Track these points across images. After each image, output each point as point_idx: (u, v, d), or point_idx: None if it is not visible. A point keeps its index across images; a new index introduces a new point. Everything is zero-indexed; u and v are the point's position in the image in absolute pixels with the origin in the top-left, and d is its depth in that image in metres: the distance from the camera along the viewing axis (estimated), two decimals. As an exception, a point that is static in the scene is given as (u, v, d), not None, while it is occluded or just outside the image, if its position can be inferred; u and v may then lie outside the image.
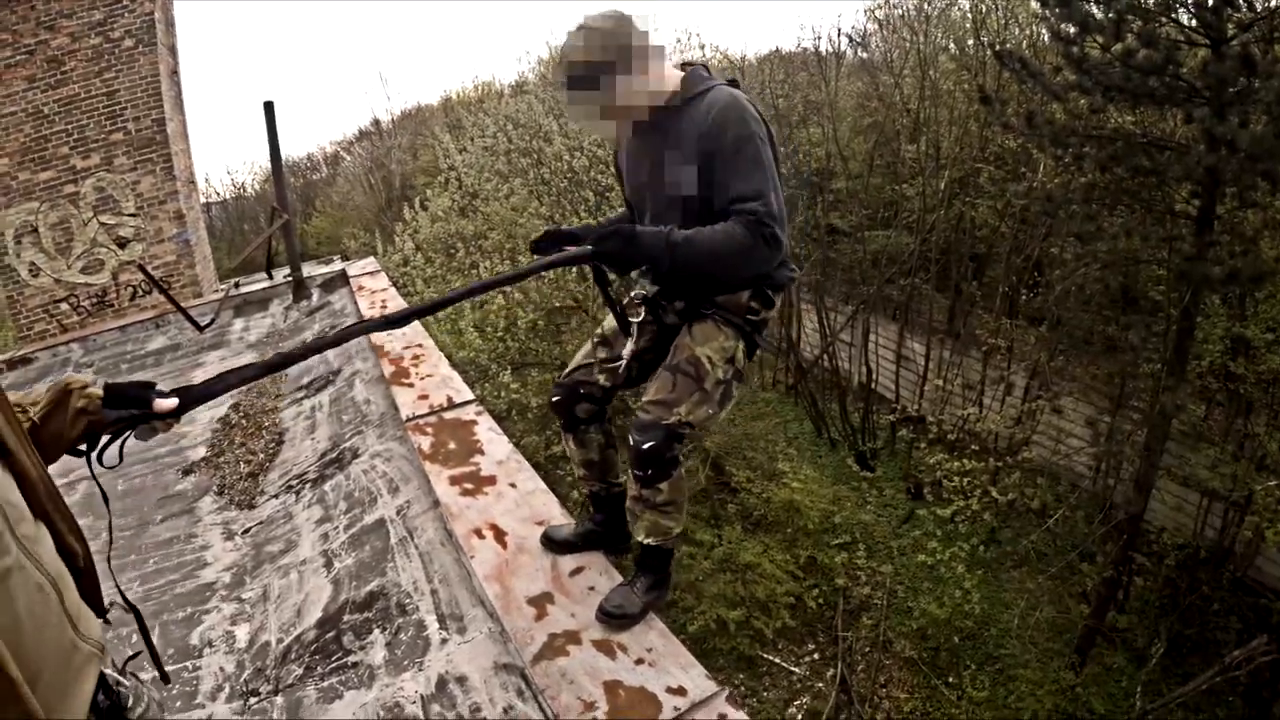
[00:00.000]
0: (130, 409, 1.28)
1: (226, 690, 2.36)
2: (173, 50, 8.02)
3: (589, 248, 1.81)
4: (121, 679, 1.12)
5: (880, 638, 9.72)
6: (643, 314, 2.04)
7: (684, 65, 1.97)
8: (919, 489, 12.12)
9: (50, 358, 7.04)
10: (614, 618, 1.96)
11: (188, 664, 2.54)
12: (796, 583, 9.97)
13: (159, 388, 1.32)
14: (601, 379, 2.13)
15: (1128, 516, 8.55)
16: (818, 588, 10.28)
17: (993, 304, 12.72)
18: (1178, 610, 9.03)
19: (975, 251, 14.20)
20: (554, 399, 2.18)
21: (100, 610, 1.15)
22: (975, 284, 13.57)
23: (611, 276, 1.96)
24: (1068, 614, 9.56)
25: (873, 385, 13.83)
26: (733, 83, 1.94)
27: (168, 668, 2.57)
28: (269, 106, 6.60)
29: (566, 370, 2.21)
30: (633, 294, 2.08)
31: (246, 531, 3.28)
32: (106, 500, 1.44)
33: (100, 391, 1.25)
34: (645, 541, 2.00)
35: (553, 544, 2.28)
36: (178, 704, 2.36)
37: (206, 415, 4.65)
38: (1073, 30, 7.18)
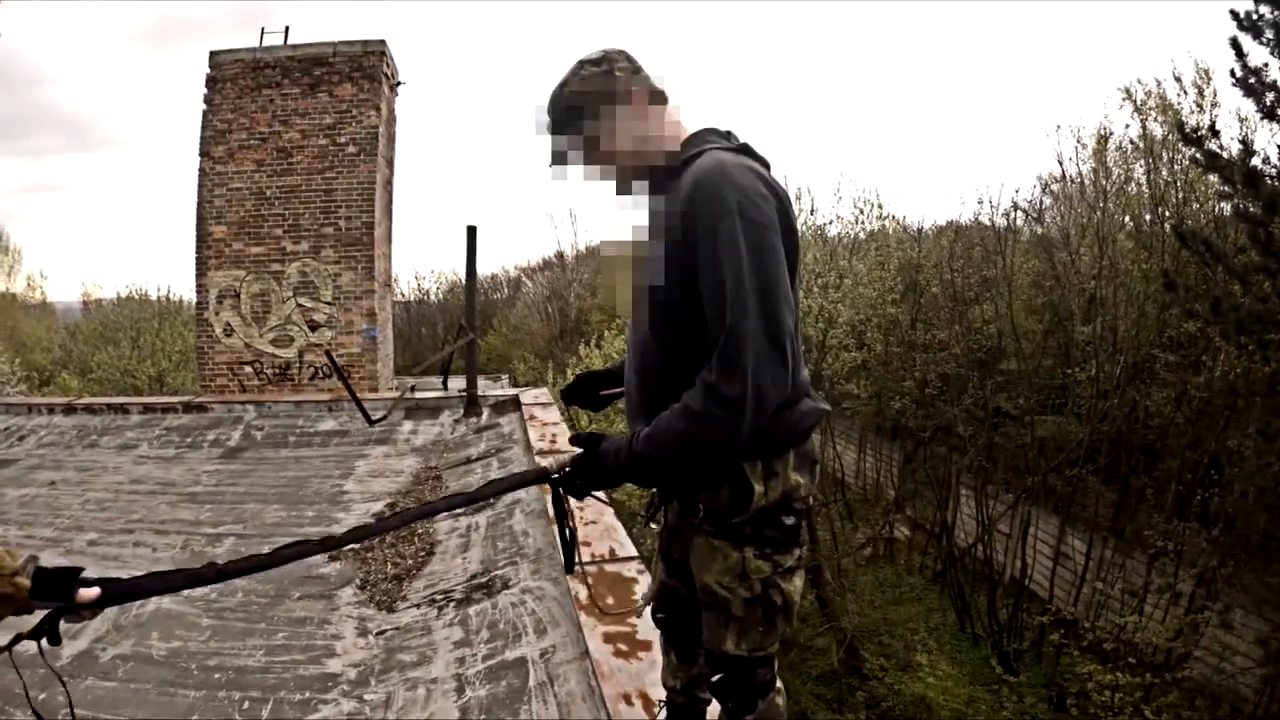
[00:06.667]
0: (56, 599, 1.30)
1: (329, 787, 2.27)
2: (390, 162, 8.96)
3: (549, 470, 1.53)
4: None
5: None
6: (661, 519, 1.77)
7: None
8: (1063, 699, 10.89)
9: (225, 412, 7.61)
10: None
11: (296, 751, 2.47)
12: (917, 788, 9.03)
13: (84, 575, 1.33)
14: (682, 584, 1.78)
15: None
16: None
17: (1163, 502, 11.61)
18: None
19: (1147, 443, 13.16)
20: (656, 615, 1.90)
21: None
22: (1146, 479, 12.48)
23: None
24: None
25: (1026, 581, 12.87)
26: (743, 148, 1.55)
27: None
28: (472, 231, 6.98)
29: (654, 575, 1.89)
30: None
31: (381, 633, 3.27)
32: (63, 682, 1.47)
33: (28, 582, 1.27)
34: None
35: None
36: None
37: (363, 507, 4.82)
38: (1259, 210, 6.79)
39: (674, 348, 1.50)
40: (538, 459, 4.81)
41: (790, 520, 1.52)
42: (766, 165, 1.56)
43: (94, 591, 1.32)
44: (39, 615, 1.31)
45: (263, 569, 1.45)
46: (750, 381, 1.32)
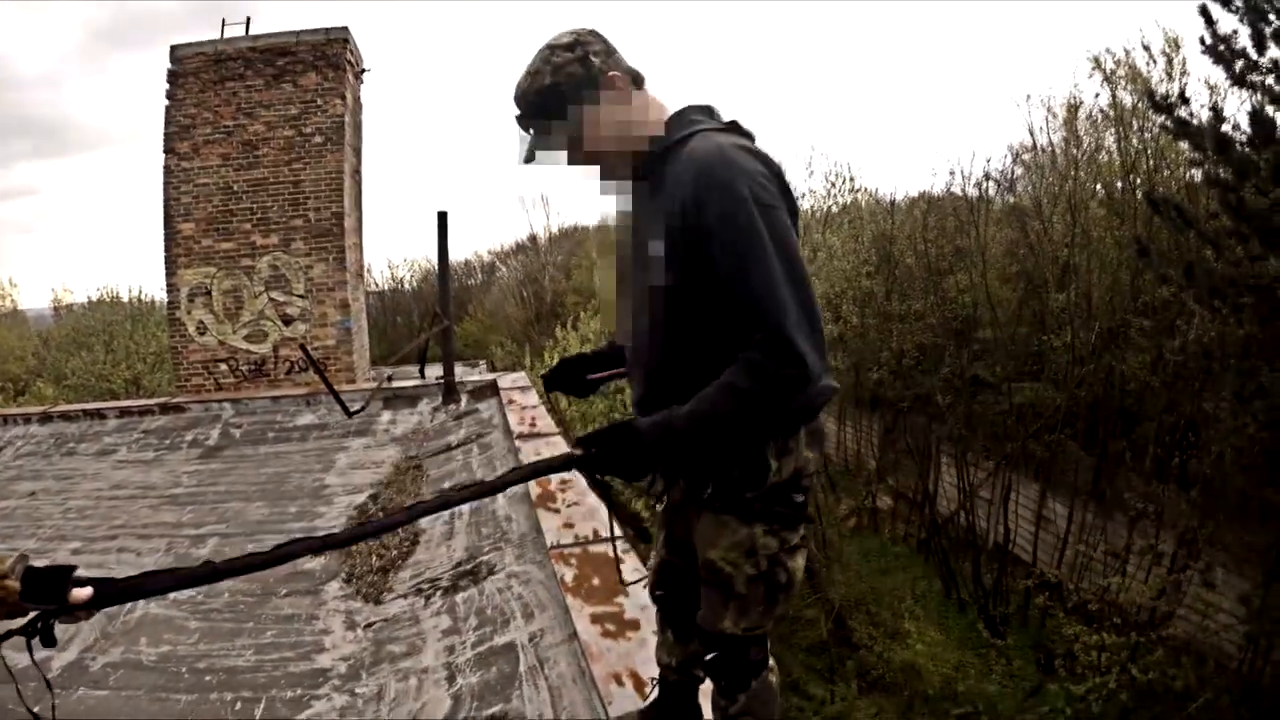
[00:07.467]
0: (48, 601, 1.26)
1: (325, 780, 2.26)
2: (357, 151, 8.81)
3: (577, 452, 1.41)
4: None
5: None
6: (665, 499, 1.72)
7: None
8: (1050, 661, 11.06)
9: (202, 411, 7.52)
10: None
11: (290, 746, 2.46)
12: (910, 753, 9.21)
13: (77, 574, 1.28)
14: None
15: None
16: (931, 761, 9.44)
17: (1142, 465, 11.78)
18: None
19: (1124, 408, 13.33)
20: (655, 591, 1.87)
21: None
22: (1124, 443, 12.66)
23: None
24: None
25: (1009, 546, 13.05)
26: (732, 125, 1.49)
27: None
28: (442, 216, 6.93)
29: (655, 552, 1.85)
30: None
31: (370, 625, 3.25)
32: (50, 686, 1.43)
33: (17, 585, 1.23)
34: None
35: None
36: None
37: (345, 500, 4.79)
38: (1230, 176, 6.85)
39: (686, 334, 1.45)
40: (518, 443, 4.79)
41: (800, 497, 1.50)
42: (753, 139, 1.51)
43: (86, 591, 1.28)
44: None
45: (259, 568, 1.38)
46: (806, 367, 1.31)
